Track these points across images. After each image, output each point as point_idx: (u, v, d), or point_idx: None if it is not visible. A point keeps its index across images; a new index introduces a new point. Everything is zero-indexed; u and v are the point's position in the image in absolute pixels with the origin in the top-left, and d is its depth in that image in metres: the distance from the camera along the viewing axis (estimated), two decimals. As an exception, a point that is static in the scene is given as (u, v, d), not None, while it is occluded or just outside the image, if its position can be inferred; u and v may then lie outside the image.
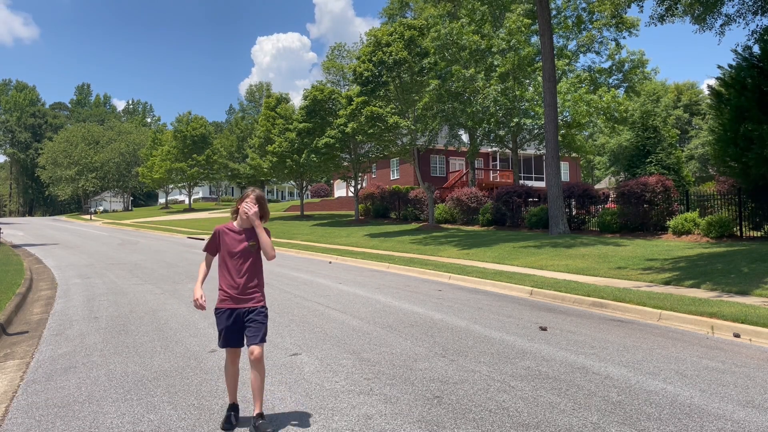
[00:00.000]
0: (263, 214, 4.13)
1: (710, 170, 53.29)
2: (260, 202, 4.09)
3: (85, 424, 4.13)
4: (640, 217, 18.78)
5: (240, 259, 4.02)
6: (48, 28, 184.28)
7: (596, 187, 35.66)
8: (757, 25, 16.76)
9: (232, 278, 4.00)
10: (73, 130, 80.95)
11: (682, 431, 3.82)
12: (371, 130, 26.49)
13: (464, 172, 39.42)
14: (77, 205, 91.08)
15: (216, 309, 4.05)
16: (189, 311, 8.52)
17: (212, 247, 4.15)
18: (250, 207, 4.01)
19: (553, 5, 29.60)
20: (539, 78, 24.78)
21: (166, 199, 73.10)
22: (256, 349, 3.89)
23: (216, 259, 4.24)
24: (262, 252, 4.09)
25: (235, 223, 4.11)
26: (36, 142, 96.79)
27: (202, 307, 4.01)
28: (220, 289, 4.04)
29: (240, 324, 3.98)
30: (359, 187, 35.41)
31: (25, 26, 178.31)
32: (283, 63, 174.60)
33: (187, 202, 67.88)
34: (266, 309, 4.08)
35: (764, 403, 4.38)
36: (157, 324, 7.64)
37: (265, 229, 4.08)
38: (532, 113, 25.17)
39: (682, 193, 19.61)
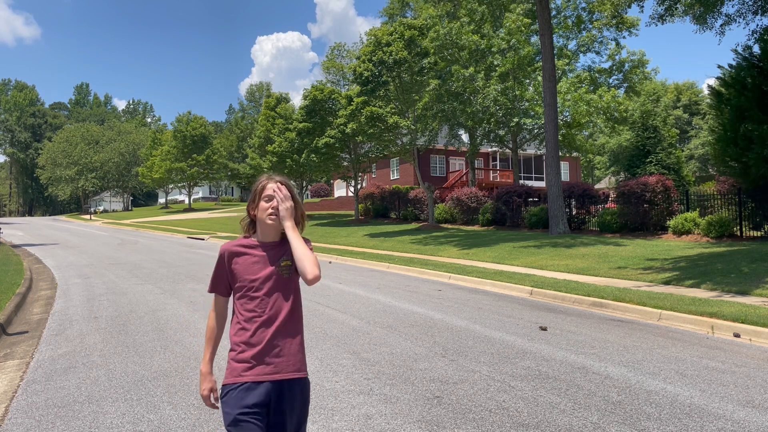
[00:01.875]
0: (297, 217, 2.38)
1: (710, 170, 53.30)
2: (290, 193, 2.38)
3: (85, 424, 4.13)
4: (640, 216, 18.78)
5: (265, 294, 2.31)
6: (49, 27, 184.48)
7: (596, 186, 35.65)
8: (758, 25, 16.79)
9: (252, 329, 2.28)
10: (73, 130, 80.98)
11: (682, 431, 3.82)
12: (371, 130, 26.49)
13: (464, 172, 39.42)
14: (77, 205, 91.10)
15: (224, 386, 2.27)
16: (189, 311, 8.51)
17: (222, 283, 2.42)
18: (283, 197, 2.33)
19: (553, 5, 29.60)
20: (539, 78, 24.78)
21: (166, 199, 73.17)
22: None
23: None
24: (299, 274, 2.32)
25: (253, 238, 2.44)
26: (36, 141, 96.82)
27: (212, 406, 2.39)
28: (231, 351, 2.31)
29: (266, 409, 2.24)
30: (359, 187, 35.41)
31: (26, 26, 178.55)
32: (283, 63, 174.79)
33: (186, 202, 67.91)
34: (309, 383, 2.39)
35: (764, 403, 4.38)
36: (157, 324, 7.64)
37: (304, 238, 2.34)
38: (532, 113, 25.17)
39: (682, 193, 19.62)
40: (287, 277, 2.36)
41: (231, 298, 2.45)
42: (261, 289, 2.33)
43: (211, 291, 2.46)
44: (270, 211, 2.34)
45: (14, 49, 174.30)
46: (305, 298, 10.19)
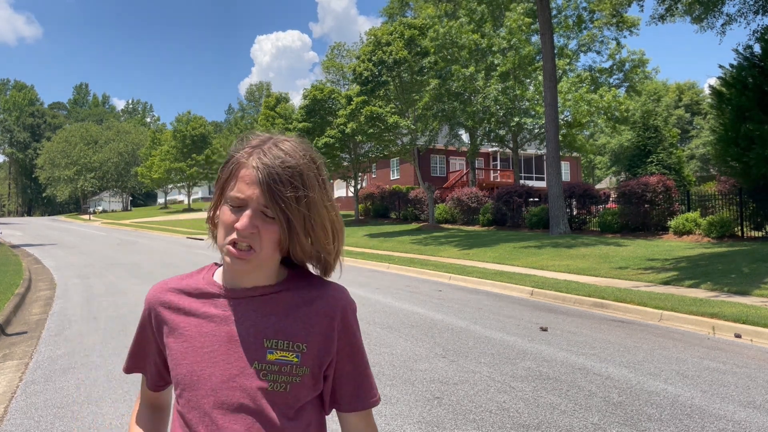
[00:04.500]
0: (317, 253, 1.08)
1: (711, 170, 53.26)
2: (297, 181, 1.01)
3: (84, 424, 4.11)
4: (641, 217, 18.76)
5: (211, 408, 1.06)
6: (50, 27, 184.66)
7: (597, 187, 35.58)
8: (758, 25, 16.76)
9: None
10: (72, 130, 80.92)
11: (683, 432, 3.80)
12: (371, 130, 26.47)
13: (464, 172, 39.40)
14: (76, 205, 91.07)
15: None
16: (188, 311, 8.48)
17: (148, 362, 1.35)
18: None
19: (553, 4, 29.55)
20: (540, 77, 24.76)
21: (165, 199, 73.18)
22: None
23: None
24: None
25: (217, 274, 1.15)
26: (35, 141, 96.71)
27: None
28: None
29: None
30: (359, 187, 35.39)
31: (27, 25, 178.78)
32: (283, 62, 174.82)
33: (186, 202, 67.90)
34: None
35: (765, 403, 4.36)
36: (156, 324, 7.62)
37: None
38: (533, 113, 25.15)
39: (683, 193, 19.59)
40: (282, 392, 1.06)
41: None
42: (206, 401, 1.07)
43: (127, 371, 1.31)
44: (231, 237, 1.02)
45: (15, 48, 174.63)
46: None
